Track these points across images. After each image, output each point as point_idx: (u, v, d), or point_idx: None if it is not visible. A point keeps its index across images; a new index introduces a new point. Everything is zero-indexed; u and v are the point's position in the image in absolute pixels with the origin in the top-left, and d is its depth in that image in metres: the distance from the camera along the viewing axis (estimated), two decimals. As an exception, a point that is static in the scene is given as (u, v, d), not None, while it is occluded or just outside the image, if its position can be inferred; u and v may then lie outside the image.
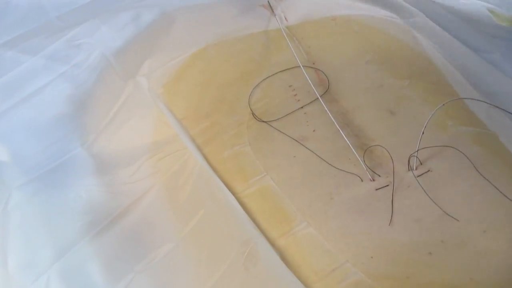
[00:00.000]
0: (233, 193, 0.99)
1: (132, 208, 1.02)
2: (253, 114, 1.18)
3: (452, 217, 0.92)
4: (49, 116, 1.18)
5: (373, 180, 1.01)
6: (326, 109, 1.11)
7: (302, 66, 1.22)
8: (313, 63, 1.30)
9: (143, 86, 1.23)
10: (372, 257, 0.89)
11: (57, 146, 1.13)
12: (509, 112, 1.06)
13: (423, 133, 1.01)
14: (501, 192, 0.95)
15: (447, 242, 0.90)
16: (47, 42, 1.30)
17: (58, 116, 1.18)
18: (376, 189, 0.99)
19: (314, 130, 1.12)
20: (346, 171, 1.02)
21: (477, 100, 1.11)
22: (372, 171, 1.02)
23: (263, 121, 1.16)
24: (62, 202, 1.04)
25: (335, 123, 1.08)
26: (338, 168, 1.03)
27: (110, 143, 1.15)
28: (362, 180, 1.01)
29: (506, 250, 0.87)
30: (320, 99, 1.14)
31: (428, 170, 1.01)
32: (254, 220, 0.95)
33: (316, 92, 1.16)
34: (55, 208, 1.03)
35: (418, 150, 1.01)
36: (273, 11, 1.45)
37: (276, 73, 1.28)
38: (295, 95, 1.21)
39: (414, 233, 0.92)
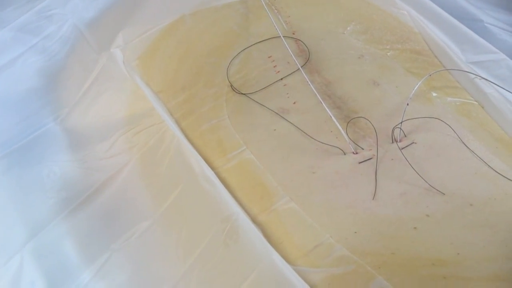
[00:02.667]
0: (212, 168, 0.97)
1: (108, 184, 1.00)
2: (231, 86, 1.15)
3: (438, 190, 0.91)
4: (20, 90, 1.16)
5: (356, 153, 0.99)
6: (307, 80, 1.09)
7: (282, 36, 1.19)
8: (293, 33, 1.28)
9: (117, 59, 1.21)
10: (356, 232, 0.87)
11: (28, 121, 1.11)
12: (493, 83, 1.05)
13: (407, 104, 0.99)
14: (487, 164, 0.94)
15: (432, 216, 0.88)
16: (17, 14, 1.28)
17: (29, 90, 1.17)
18: (359, 162, 0.97)
19: (294, 102, 1.10)
20: (328, 144, 1.00)
21: (463, 71, 1.10)
22: (355, 143, 1.00)
23: (242, 94, 1.13)
24: (35, 179, 1.02)
25: (317, 94, 1.06)
26: (320, 141, 1.01)
27: (84, 118, 1.13)
28: (344, 153, 0.99)
29: (493, 224, 0.86)
30: (301, 70, 1.11)
31: (413, 142, 0.99)
32: (234, 195, 0.93)
33: (297, 63, 1.13)
34: (28, 185, 1.01)
35: (402, 121, 0.99)
36: (251, -21, 1.42)
37: (254, 44, 1.25)
38: (275, 66, 1.19)
39: (398, 207, 0.90)
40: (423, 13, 1.26)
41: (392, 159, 0.97)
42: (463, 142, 0.98)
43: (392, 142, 1.00)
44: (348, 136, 1.00)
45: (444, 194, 0.90)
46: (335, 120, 1.01)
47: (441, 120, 1.01)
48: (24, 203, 0.98)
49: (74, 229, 0.94)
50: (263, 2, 1.33)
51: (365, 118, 1.03)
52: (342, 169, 0.97)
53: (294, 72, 1.16)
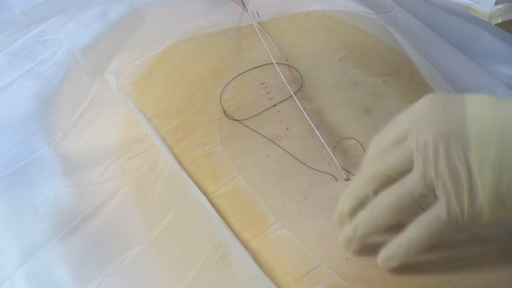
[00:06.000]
0: (205, 194, 0.97)
1: (101, 209, 1.00)
2: (224, 112, 1.15)
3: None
4: (15, 115, 1.17)
5: (348, 179, 0.99)
6: (300, 107, 1.09)
7: (275, 63, 1.20)
8: (286, 60, 1.28)
9: (111, 84, 1.21)
10: (347, 259, 0.86)
11: (23, 146, 1.12)
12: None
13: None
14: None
15: (423, 242, 0.88)
16: (12, 39, 1.29)
17: (24, 114, 1.17)
18: (351, 189, 0.97)
19: (287, 129, 1.10)
20: (321, 171, 1.00)
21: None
22: (347, 170, 1.00)
23: (235, 120, 1.13)
24: (28, 204, 1.02)
25: (309, 121, 1.06)
26: (312, 168, 1.01)
27: (78, 142, 1.13)
28: (336, 180, 0.99)
29: (485, 250, 0.86)
30: (294, 97, 1.12)
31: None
32: (226, 221, 0.93)
33: (290, 90, 1.14)
34: (21, 210, 1.01)
35: (394, 149, 0.99)
36: (245, 6, 1.43)
37: (248, 70, 1.25)
38: (268, 92, 1.19)
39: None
40: (417, 39, 1.27)
41: (383, 186, 0.97)
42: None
43: (384, 169, 1.00)
44: (340, 163, 1.00)
45: (434, 219, 0.90)
46: (327, 147, 1.02)
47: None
48: (17, 228, 0.98)
49: (67, 254, 0.94)
50: (257, 29, 1.33)
51: (356, 140, 1.03)
52: (334, 196, 0.95)
53: (287, 98, 1.16)
